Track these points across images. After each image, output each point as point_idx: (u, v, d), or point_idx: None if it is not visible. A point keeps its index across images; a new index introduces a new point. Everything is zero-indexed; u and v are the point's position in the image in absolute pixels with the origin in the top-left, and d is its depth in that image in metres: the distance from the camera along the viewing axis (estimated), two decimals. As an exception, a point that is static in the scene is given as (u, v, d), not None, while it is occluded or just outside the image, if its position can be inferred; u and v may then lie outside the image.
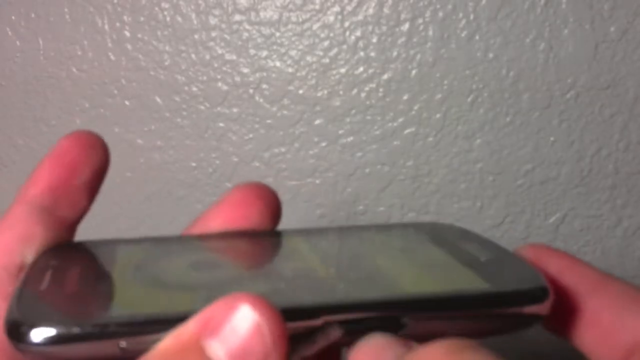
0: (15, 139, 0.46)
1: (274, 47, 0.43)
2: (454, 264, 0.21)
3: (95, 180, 0.22)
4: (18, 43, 0.44)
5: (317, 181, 0.44)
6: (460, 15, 0.41)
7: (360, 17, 0.42)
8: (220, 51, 0.43)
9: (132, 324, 0.16)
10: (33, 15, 0.44)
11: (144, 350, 0.16)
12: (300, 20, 0.42)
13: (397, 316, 0.17)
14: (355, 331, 0.17)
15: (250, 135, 0.44)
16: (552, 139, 0.42)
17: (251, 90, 0.44)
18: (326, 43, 0.42)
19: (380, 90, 0.42)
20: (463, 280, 0.19)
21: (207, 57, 0.43)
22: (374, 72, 0.42)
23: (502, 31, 0.41)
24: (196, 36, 0.43)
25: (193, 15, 0.43)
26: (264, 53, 0.43)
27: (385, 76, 0.42)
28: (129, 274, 0.20)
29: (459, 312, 0.18)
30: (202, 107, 0.44)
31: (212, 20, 0.43)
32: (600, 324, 0.19)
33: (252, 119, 0.44)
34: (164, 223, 0.46)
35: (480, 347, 0.15)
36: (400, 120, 0.43)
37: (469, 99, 0.42)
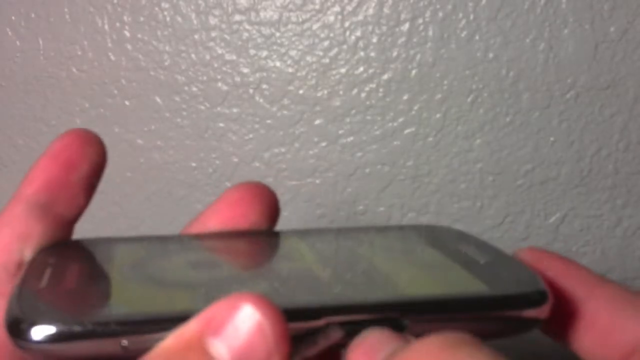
0: (15, 139, 0.46)
1: (274, 47, 0.43)
2: (453, 266, 0.21)
3: (92, 177, 0.22)
4: (18, 43, 0.44)
5: (317, 181, 0.44)
6: (460, 15, 0.41)
7: (360, 17, 0.42)
8: (220, 51, 0.43)
9: (134, 323, 0.16)
10: (33, 15, 0.44)
11: (145, 349, 0.16)
12: (300, 20, 0.42)
13: (397, 318, 0.18)
14: (355, 332, 0.17)
15: (250, 135, 0.44)
16: (552, 139, 0.42)
17: (251, 90, 0.44)
18: (326, 43, 0.42)
19: (380, 90, 0.42)
20: (462, 283, 0.19)
21: (207, 57, 0.43)
22: (374, 72, 0.42)
23: (502, 31, 0.41)
24: (196, 36, 0.43)
25: (193, 15, 0.43)
26: (264, 53, 0.43)
27: (385, 76, 0.42)
28: (128, 273, 0.20)
29: (458, 314, 0.18)
30: (202, 107, 0.44)
31: (212, 20, 0.43)
32: (598, 327, 0.19)
33: (252, 119, 0.44)
34: (164, 223, 0.46)
35: (476, 341, 0.15)
36: (400, 120, 0.43)
37: (469, 99, 0.42)
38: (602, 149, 0.42)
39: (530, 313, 0.18)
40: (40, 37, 0.44)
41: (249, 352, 0.15)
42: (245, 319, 0.15)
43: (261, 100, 0.44)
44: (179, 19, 0.43)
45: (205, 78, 0.44)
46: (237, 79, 0.44)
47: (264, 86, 0.43)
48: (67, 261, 0.20)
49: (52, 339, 0.16)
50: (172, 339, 0.16)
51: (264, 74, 0.43)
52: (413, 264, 0.21)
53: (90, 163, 0.22)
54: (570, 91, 0.41)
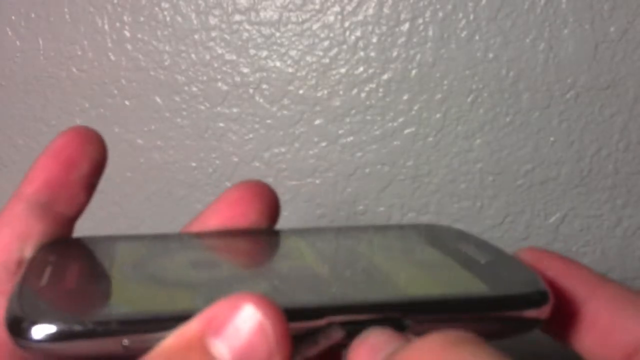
0: (15, 139, 0.46)
1: (274, 47, 0.43)
2: (454, 266, 0.21)
3: (93, 175, 0.22)
4: (18, 43, 0.44)
5: (317, 181, 0.44)
6: (460, 15, 0.41)
7: (360, 17, 0.42)
8: (220, 51, 0.43)
9: (136, 322, 0.16)
10: (33, 15, 0.44)
11: (146, 348, 0.16)
12: (300, 20, 0.42)
13: (398, 318, 0.18)
14: (357, 332, 0.17)
15: (250, 135, 0.44)
16: (552, 139, 0.42)
17: (251, 90, 0.44)
18: (326, 43, 0.42)
19: (380, 90, 0.42)
20: (463, 283, 0.19)
21: (207, 57, 0.43)
22: (374, 72, 0.42)
23: (502, 31, 0.41)
24: (196, 36, 0.43)
25: (193, 15, 0.43)
26: (264, 53, 0.43)
27: (385, 76, 0.42)
28: (129, 271, 0.20)
29: (459, 315, 0.18)
30: (202, 107, 0.44)
31: (212, 20, 0.43)
32: (599, 327, 0.19)
33: (252, 119, 0.44)
34: (164, 223, 0.46)
35: (477, 339, 0.15)
36: (400, 120, 0.43)
37: (469, 99, 0.42)
38: (602, 149, 0.42)
39: (531, 313, 0.18)
40: (40, 37, 0.44)
41: (250, 352, 0.15)
42: (246, 319, 0.15)
43: (261, 100, 0.44)
44: (179, 19, 0.43)
45: (205, 78, 0.44)
46: (237, 79, 0.44)
47: (264, 86, 0.43)
48: (68, 259, 0.20)
49: (53, 338, 0.16)
50: (173, 339, 0.16)
51: (264, 74, 0.43)
52: (413, 263, 0.21)
53: (91, 161, 0.22)
54: (570, 91, 0.41)
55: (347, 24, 0.42)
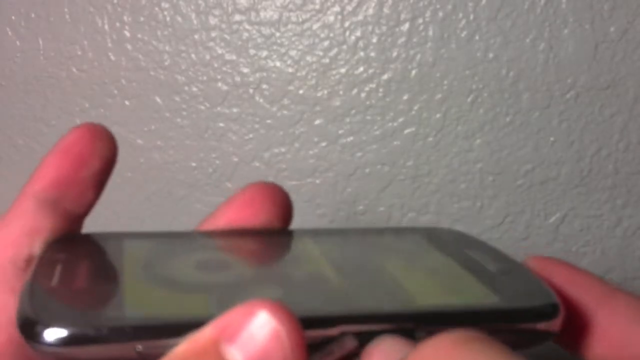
0: (15, 139, 0.46)
1: (274, 47, 0.43)
2: (465, 274, 0.21)
3: (103, 173, 0.22)
4: (18, 43, 0.44)
5: (317, 181, 0.44)
6: (460, 15, 0.41)
7: (360, 17, 0.42)
8: (220, 51, 0.43)
9: (150, 328, 0.16)
10: (33, 15, 0.44)
11: (159, 354, 0.16)
12: (300, 20, 0.42)
13: (412, 329, 0.18)
14: (368, 341, 0.17)
15: (250, 135, 0.44)
16: (552, 139, 0.42)
17: (251, 90, 0.44)
18: (326, 43, 0.42)
19: (380, 90, 0.42)
20: (475, 294, 0.19)
21: (207, 57, 0.43)
22: (374, 72, 0.42)
23: (502, 31, 0.41)
24: (196, 36, 0.43)
25: (193, 15, 0.43)
26: (264, 53, 0.43)
27: (385, 76, 0.42)
28: (140, 271, 0.20)
29: (472, 327, 0.18)
30: (202, 107, 0.44)
31: (212, 20, 0.43)
32: (610, 338, 0.19)
33: (252, 119, 0.44)
34: (164, 223, 0.46)
35: (487, 338, 0.15)
36: (400, 120, 0.43)
37: (469, 99, 0.42)
38: (602, 149, 0.42)
39: (543, 326, 0.18)
40: (40, 37, 0.44)
41: (265, 359, 0.15)
42: (262, 326, 0.15)
43: (261, 100, 0.44)
44: (179, 19, 0.43)
45: (205, 78, 0.44)
46: (237, 79, 0.44)
47: (264, 86, 0.43)
48: (78, 258, 0.20)
49: (66, 342, 0.16)
50: (187, 344, 0.16)
51: (264, 74, 0.43)
52: (424, 270, 0.21)
53: (101, 159, 0.22)
54: (570, 91, 0.41)
55: (347, 24, 0.42)
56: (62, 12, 0.44)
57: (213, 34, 0.43)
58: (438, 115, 0.42)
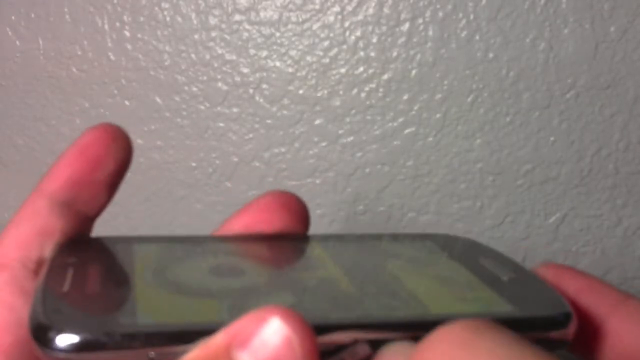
0: (15, 139, 0.46)
1: (274, 47, 0.43)
2: (478, 283, 0.21)
3: (117, 174, 0.22)
4: (18, 43, 0.44)
5: (317, 181, 0.44)
6: (460, 15, 0.41)
7: (360, 17, 0.42)
8: (220, 51, 0.43)
9: (164, 335, 0.16)
10: (33, 15, 0.44)
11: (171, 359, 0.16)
12: (300, 20, 0.42)
13: (424, 336, 0.18)
14: (379, 348, 0.17)
15: (250, 135, 0.44)
16: (552, 139, 0.42)
17: (251, 90, 0.44)
18: (326, 43, 0.42)
19: (380, 90, 0.42)
20: (487, 302, 0.19)
21: (207, 57, 0.43)
22: (374, 72, 0.42)
23: (502, 31, 0.41)
24: (196, 36, 0.43)
25: (193, 15, 0.43)
26: (264, 53, 0.43)
27: (385, 76, 0.42)
28: (152, 276, 0.20)
29: None
30: (202, 107, 0.44)
31: (212, 20, 0.43)
32: (622, 345, 0.19)
33: (252, 119, 0.44)
34: (164, 223, 0.46)
35: (497, 325, 0.15)
36: (400, 120, 0.43)
37: (469, 99, 0.42)
38: (602, 148, 0.42)
39: (556, 335, 0.18)
40: (40, 37, 0.44)
41: None
42: (274, 333, 0.15)
43: (261, 100, 0.44)
44: (179, 19, 0.43)
45: (205, 78, 0.44)
46: (237, 79, 0.44)
47: (264, 86, 0.43)
48: (90, 262, 0.20)
49: (79, 349, 0.16)
50: (199, 350, 0.16)
51: (264, 74, 0.43)
52: (438, 279, 0.21)
53: (116, 160, 0.22)
54: (570, 91, 0.41)
55: (347, 24, 0.42)
56: (62, 12, 0.44)
57: (213, 34, 0.43)
58: (438, 115, 0.42)
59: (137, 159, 0.45)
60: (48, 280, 0.18)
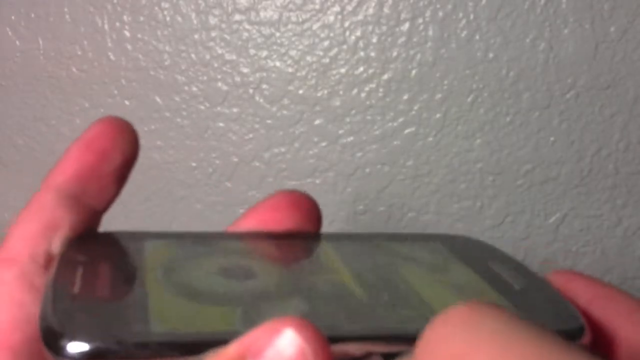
0: (15, 139, 0.46)
1: (274, 47, 0.43)
2: (490, 291, 0.20)
3: (125, 167, 0.22)
4: (18, 43, 0.44)
5: (317, 181, 0.44)
6: (460, 15, 0.41)
7: (360, 17, 0.42)
8: (220, 51, 0.43)
9: (176, 345, 0.16)
10: (33, 15, 0.44)
11: None
12: (300, 20, 0.42)
13: None
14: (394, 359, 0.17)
15: (250, 135, 0.44)
16: (552, 139, 0.42)
17: (251, 90, 0.44)
18: (326, 43, 0.42)
19: (380, 90, 0.42)
20: None
21: (207, 57, 0.43)
22: (374, 72, 0.42)
23: (502, 31, 0.41)
24: (196, 36, 0.43)
25: (193, 15, 0.43)
26: (264, 53, 0.43)
27: (385, 76, 0.42)
28: (163, 279, 0.19)
29: None
30: (202, 107, 0.44)
31: (212, 20, 0.43)
32: (636, 353, 0.19)
33: (252, 119, 0.44)
34: (164, 223, 0.46)
35: (501, 307, 0.14)
36: (400, 120, 0.43)
37: (469, 99, 0.42)
38: (602, 149, 0.42)
39: None
40: (40, 37, 0.44)
41: None
42: (288, 344, 0.15)
43: (261, 100, 0.44)
44: (179, 19, 0.43)
45: (205, 78, 0.44)
46: (237, 79, 0.44)
47: (264, 86, 0.43)
48: (100, 261, 0.19)
49: (90, 356, 0.16)
50: None
51: (264, 74, 0.43)
52: (450, 286, 0.21)
53: (123, 153, 0.22)
54: (570, 91, 0.41)
55: (347, 24, 0.42)
56: (62, 12, 0.44)
57: (213, 34, 0.43)
58: (438, 115, 0.42)
59: (137, 159, 0.46)
60: (58, 280, 0.18)
